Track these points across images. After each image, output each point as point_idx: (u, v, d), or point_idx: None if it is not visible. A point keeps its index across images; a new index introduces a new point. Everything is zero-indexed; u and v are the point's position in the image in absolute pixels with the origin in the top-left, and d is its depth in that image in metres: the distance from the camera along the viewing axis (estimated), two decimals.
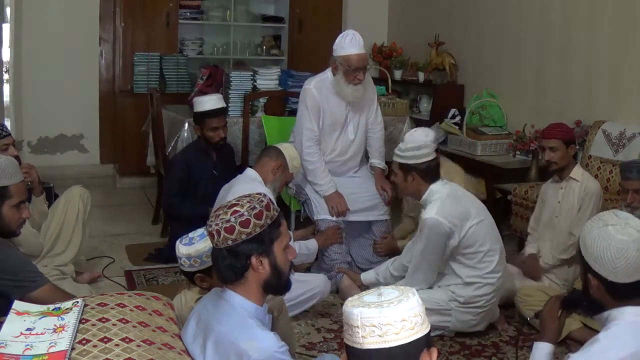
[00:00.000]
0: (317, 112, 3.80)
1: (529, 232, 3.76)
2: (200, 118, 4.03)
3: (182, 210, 3.96)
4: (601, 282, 1.81)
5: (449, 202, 3.08)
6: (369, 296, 1.41)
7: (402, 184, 3.23)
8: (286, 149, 3.50)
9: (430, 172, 3.17)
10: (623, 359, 1.72)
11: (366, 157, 4.11)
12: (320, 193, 3.80)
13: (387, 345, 1.35)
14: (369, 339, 1.35)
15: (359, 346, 1.36)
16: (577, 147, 4.54)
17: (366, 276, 3.53)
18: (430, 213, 3.06)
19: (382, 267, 3.51)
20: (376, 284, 3.43)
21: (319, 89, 3.80)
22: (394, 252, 3.84)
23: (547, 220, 3.65)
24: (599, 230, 1.81)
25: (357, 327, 1.36)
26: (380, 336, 1.34)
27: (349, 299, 1.42)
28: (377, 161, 4.04)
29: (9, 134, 3.30)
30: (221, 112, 4.06)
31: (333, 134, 3.89)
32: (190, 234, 2.29)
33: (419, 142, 3.23)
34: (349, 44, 3.67)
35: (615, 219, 1.82)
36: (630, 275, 1.77)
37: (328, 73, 3.83)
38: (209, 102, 4.04)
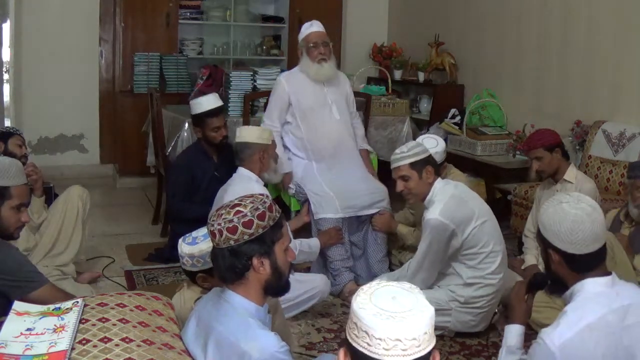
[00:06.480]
0: (283, 104, 3.94)
1: (526, 235, 3.76)
2: (200, 119, 3.98)
3: (192, 212, 3.78)
4: (562, 256, 1.92)
5: (452, 203, 3.06)
6: (382, 300, 1.33)
7: (417, 185, 3.13)
8: (250, 134, 3.45)
9: (437, 163, 3.23)
10: (591, 323, 1.81)
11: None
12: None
13: (408, 359, 1.30)
14: (391, 352, 1.29)
15: (376, 356, 1.30)
16: (578, 146, 4.56)
17: None
18: (433, 213, 3.03)
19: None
20: None
21: (288, 79, 3.99)
22: (391, 228, 3.84)
23: None
24: (554, 208, 1.94)
25: (380, 339, 1.29)
26: (403, 350, 1.29)
27: (360, 300, 1.34)
28: (363, 143, 4.17)
29: (19, 133, 3.53)
30: (220, 111, 4.03)
31: (316, 115, 3.93)
32: (194, 233, 2.28)
33: (415, 141, 3.27)
34: (307, 27, 3.96)
35: (567, 197, 1.95)
36: (588, 245, 1.88)
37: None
38: (206, 102, 3.99)
